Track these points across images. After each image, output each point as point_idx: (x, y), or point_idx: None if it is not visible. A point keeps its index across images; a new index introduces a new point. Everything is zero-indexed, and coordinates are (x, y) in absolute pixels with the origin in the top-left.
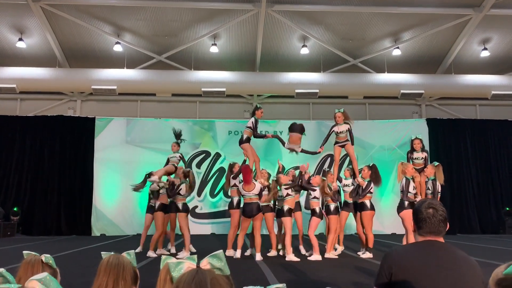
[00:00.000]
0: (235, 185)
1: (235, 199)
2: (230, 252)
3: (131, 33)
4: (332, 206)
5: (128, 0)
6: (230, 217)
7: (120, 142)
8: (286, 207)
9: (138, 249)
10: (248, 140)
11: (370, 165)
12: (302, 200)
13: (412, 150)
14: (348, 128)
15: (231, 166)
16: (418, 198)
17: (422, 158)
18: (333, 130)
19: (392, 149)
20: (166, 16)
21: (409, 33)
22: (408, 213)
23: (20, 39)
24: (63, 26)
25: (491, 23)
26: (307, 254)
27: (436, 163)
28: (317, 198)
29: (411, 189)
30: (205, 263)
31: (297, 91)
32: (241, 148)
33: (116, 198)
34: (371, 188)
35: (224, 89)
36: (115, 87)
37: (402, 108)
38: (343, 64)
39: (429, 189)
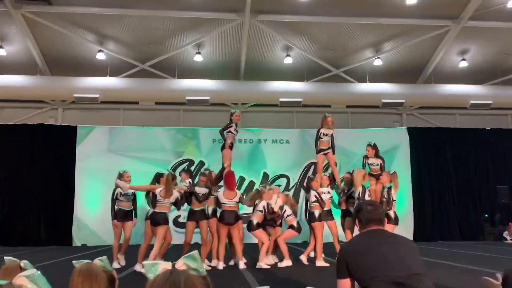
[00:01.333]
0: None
1: (210, 208)
2: (213, 263)
3: (114, 41)
4: (317, 212)
5: (111, 8)
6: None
7: (103, 151)
8: (255, 221)
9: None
10: (231, 146)
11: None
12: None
13: (367, 155)
14: (332, 134)
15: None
16: None
17: (378, 164)
18: (322, 133)
19: None
20: (150, 24)
21: (390, 44)
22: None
23: (0, 47)
24: (45, 34)
25: (469, 35)
26: (277, 261)
27: (392, 171)
28: (290, 214)
29: (366, 196)
30: (181, 264)
31: (281, 99)
32: (222, 153)
33: (98, 207)
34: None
35: (208, 98)
36: (97, 96)
37: (384, 117)
38: (326, 73)
39: (384, 197)
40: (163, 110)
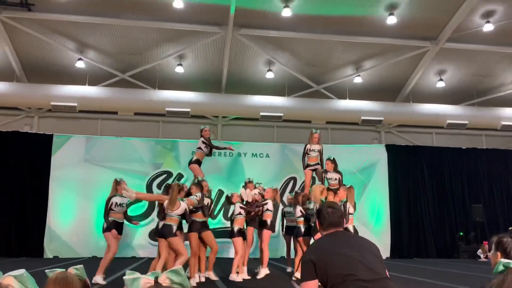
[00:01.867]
0: None
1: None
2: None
3: (94, 50)
4: (303, 228)
5: (92, 17)
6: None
7: (79, 160)
8: (236, 228)
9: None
10: (197, 162)
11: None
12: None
13: (326, 170)
14: (319, 150)
15: (168, 187)
16: None
17: (336, 179)
18: (308, 149)
19: (352, 173)
20: (132, 34)
21: (370, 62)
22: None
23: None
24: (24, 40)
25: (447, 56)
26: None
27: (348, 185)
28: (270, 210)
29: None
30: (164, 279)
31: (261, 114)
32: (189, 169)
33: (71, 218)
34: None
35: (188, 110)
36: (75, 104)
37: (363, 134)
38: (307, 89)
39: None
40: (142, 121)
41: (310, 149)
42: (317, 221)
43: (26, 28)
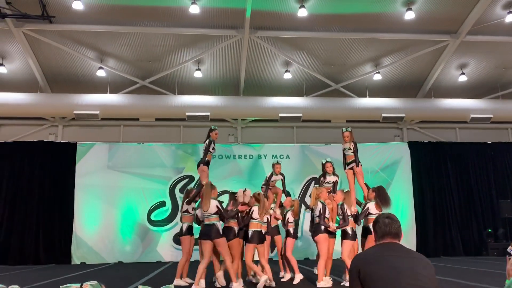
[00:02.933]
0: (187, 211)
1: (185, 225)
2: (179, 282)
3: (114, 58)
4: (349, 230)
5: (111, 26)
6: (181, 244)
7: (102, 167)
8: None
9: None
10: (207, 163)
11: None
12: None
13: (325, 174)
14: (351, 147)
15: (188, 191)
16: (331, 224)
17: (333, 182)
18: (342, 148)
19: (375, 172)
20: (150, 41)
21: (389, 59)
22: (323, 237)
23: (1, 64)
24: (46, 51)
25: (468, 49)
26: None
27: (346, 190)
28: (290, 222)
29: (327, 213)
30: None
31: (280, 115)
32: (198, 170)
33: (97, 224)
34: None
35: (208, 114)
36: (97, 112)
37: (384, 132)
38: (325, 88)
39: (340, 214)
40: (163, 126)
41: (343, 148)
42: (373, 230)
43: (48, 40)
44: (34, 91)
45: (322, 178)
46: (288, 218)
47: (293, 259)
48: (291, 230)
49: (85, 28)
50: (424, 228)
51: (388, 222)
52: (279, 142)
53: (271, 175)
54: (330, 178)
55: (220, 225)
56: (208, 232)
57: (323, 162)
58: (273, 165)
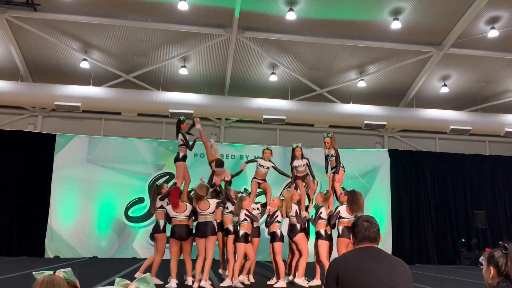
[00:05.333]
0: (162, 207)
1: (161, 222)
2: (156, 280)
3: (99, 51)
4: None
5: (98, 18)
6: (156, 242)
7: (81, 160)
8: (242, 232)
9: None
10: (184, 158)
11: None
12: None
13: (293, 158)
14: (332, 154)
15: (159, 187)
16: (305, 213)
17: (304, 165)
18: (325, 154)
19: (354, 177)
20: (136, 35)
21: (374, 66)
22: (301, 236)
23: None
24: (28, 40)
25: (451, 61)
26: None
27: (325, 191)
28: (279, 222)
29: (303, 214)
30: (133, 287)
31: (264, 116)
32: (175, 165)
33: (73, 218)
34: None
35: (191, 111)
36: (79, 104)
37: (366, 138)
38: (310, 93)
39: (293, 215)
40: (145, 122)
41: (326, 154)
42: (352, 233)
43: (31, 28)
44: (14, 80)
45: (292, 164)
46: (276, 219)
47: (282, 264)
48: (278, 232)
49: (71, 18)
50: (400, 235)
51: (367, 226)
52: (261, 143)
53: (292, 160)
54: (299, 162)
55: (215, 222)
56: (205, 229)
57: (294, 146)
58: (293, 150)
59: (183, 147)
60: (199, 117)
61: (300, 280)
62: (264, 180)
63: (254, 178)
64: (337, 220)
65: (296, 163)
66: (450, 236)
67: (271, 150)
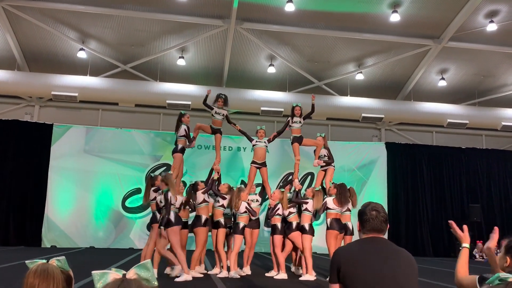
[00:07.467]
0: (155, 198)
1: (158, 213)
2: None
3: (96, 40)
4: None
5: (95, 7)
6: (151, 232)
7: (78, 151)
8: (241, 224)
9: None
10: (182, 150)
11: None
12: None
13: (293, 116)
14: (327, 154)
15: (153, 178)
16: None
17: (300, 122)
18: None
19: (351, 170)
20: (134, 25)
21: (372, 59)
22: (296, 234)
23: None
24: (26, 29)
25: (449, 55)
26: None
27: (317, 188)
28: (279, 215)
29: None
30: (132, 274)
31: (262, 108)
32: (172, 157)
33: (70, 208)
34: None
35: (189, 103)
36: (76, 94)
37: (363, 131)
38: (308, 85)
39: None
40: (142, 112)
41: (319, 155)
42: (358, 221)
43: (28, 17)
44: (11, 69)
45: (289, 121)
46: (278, 208)
47: (281, 256)
48: (279, 225)
49: (68, 8)
50: (396, 227)
51: (376, 215)
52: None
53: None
54: (297, 119)
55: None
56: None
57: (294, 106)
58: (293, 108)
59: (183, 139)
60: (196, 108)
61: (310, 276)
62: (263, 165)
63: (253, 162)
64: (324, 211)
65: (294, 119)
66: (446, 229)
67: (264, 130)
